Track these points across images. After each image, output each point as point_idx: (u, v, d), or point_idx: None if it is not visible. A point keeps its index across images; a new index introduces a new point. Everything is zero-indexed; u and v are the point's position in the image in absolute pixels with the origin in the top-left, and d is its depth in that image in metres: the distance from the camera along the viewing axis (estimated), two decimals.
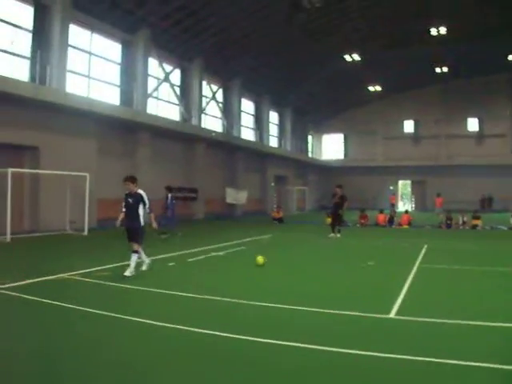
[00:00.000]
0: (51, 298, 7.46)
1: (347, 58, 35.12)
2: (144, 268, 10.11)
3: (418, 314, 6.92)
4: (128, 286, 8.60)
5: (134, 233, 9.67)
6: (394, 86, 45.42)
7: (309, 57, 33.97)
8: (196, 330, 6.04)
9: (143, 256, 10.13)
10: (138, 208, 9.63)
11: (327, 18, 30.29)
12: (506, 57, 35.80)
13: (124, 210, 9.74)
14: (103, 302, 7.40)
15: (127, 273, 9.36)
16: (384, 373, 4.84)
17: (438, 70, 40.34)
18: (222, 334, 5.88)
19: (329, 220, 23.35)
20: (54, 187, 18.95)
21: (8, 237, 15.77)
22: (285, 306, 7.39)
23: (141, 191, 9.77)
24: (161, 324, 6.26)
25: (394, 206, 39.82)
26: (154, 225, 10.50)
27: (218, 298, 7.77)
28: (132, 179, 9.78)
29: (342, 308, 7.25)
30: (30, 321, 6.45)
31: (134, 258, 9.54)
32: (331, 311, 7.11)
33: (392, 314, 6.98)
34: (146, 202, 9.73)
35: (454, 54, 35.32)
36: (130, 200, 9.66)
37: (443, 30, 30.67)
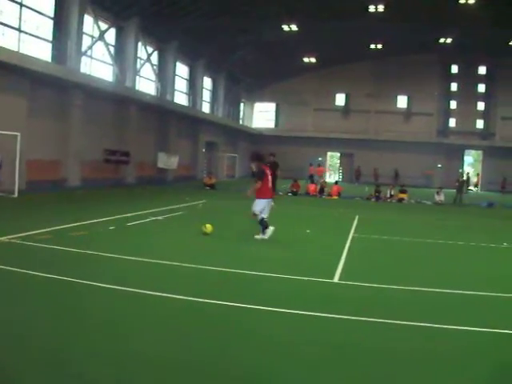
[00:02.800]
0: None
1: (285, 27, 35.17)
2: None
3: (358, 279, 7.52)
4: (75, 250, 8.51)
5: None
6: (329, 59, 46.06)
7: (246, 24, 33.73)
8: (157, 293, 6.24)
9: None
10: None
11: None
12: (438, 39, 37.24)
13: None
14: (55, 266, 7.32)
15: None
16: (336, 332, 5.29)
17: (372, 46, 41.31)
18: (187, 298, 6.14)
19: None
20: None
21: None
22: (238, 270, 7.75)
23: None
24: (120, 288, 6.38)
25: (321, 177, 40.76)
26: None
27: (164, 262, 7.98)
28: None
29: (289, 273, 7.68)
30: None
31: None
32: (281, 276, 7.52)
33: (335, 279, 7.49)
34: None
35: (389, 32, 36.30)
36: None
37: (381, 8, 31.44)
